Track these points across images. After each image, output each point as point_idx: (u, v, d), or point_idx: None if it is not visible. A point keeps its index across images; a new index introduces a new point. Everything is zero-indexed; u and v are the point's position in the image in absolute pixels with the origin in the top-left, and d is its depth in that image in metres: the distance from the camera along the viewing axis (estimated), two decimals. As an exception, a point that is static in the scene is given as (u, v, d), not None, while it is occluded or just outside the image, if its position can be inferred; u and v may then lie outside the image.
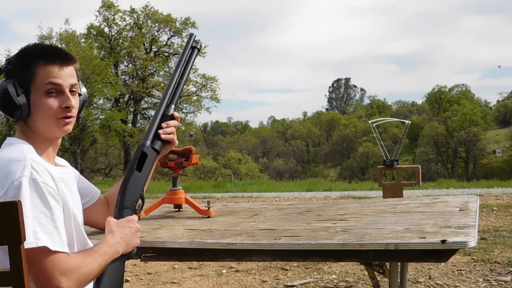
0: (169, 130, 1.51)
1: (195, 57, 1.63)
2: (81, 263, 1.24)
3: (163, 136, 1.50)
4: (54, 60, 1.35)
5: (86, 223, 1.54)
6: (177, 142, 1.56)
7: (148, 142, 1.48)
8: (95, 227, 1.65)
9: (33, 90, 1.33)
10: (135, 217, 1.44)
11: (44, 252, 1.18)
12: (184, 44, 1.66)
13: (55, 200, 1.25)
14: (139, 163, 1.46)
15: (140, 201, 1.47)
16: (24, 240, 1.01)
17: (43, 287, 1.20)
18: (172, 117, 1.53)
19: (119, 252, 1.35)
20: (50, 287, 1.19)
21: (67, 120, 1.36)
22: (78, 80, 1.43)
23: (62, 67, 1.35)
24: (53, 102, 1.34)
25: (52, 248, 1.19)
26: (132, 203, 1.44)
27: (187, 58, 1.60)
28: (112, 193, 1.63)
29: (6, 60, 1.37)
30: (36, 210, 1.20)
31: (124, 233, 1.38)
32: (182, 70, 1.58)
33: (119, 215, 1.42)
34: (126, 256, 1.40)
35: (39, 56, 1.34)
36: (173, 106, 1.55)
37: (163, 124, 1.51)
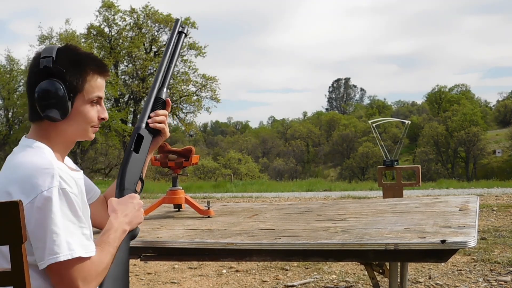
0: (158, 119, 1.52)
1: (183, 42, 1.67)
2: (97, 263, 1.27)
3: (151, 125, 1.51)
4: (104, 74, 1.39)
5: None
6: (168, 133, 1.56)
7: (143, 125, 1.50)
8: (94, 226, 1.65)
9: (80, 97, 1.35)
10: (136, 194, 1.46)
11: (77, 261, 1.21)
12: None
13: (79, 206, 1.27)
14: (136, 145, 1.47)
15: (140, 183, 1.49)
16: (25, 240, 1.01)
17: None
18: (165, 103, 1.55)
19: (126, 231, 1.38)
20: None
21: (97, 129, 1.42)
22: None
23: (104, 80, 1.40)
24: (94, 113, 1.38)
25: (85, 255, 1.22)
26: (132, 184, 1.46)
27: (175, 42, 1.63)
28: (111, 191, 1.64)
29: (46, 56, 1.32)
30: (66, 220, 1.21)
31: (128, 209, 1.41)
32: (171, 54, 1.61)
33: (120, 196, 1.44)
34: (131, 234, 1.42)
35: (94, 67, 1.37)
36: (165, 90, 1.57)
37: (151, 114, 1.52)
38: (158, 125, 1.52)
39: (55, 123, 1.34)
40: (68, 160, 1.51)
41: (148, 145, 1.50)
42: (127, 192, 1.44)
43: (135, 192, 1.47)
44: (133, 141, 1.48)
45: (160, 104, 1.55)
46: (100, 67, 1.38)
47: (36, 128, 1.37)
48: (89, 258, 1.24)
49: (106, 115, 1.41)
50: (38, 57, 1.34)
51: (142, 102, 30.16)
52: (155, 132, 1.53)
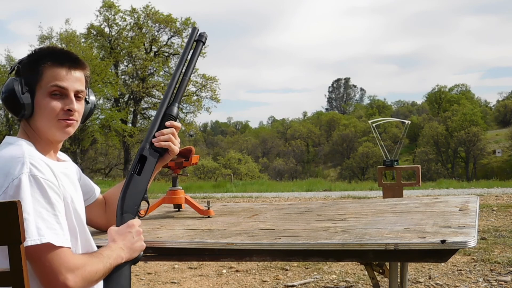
0: (163, 138, 1.47)
1: (200, 51, 1.55)
2: (86, 262, 1.24)
3: (156, 144, 1.47)
4: (63, 63, 1.35)
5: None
6: (176, 150, 1.50)
7: (147, 145, 1.46)
8: (93, 226, 1.65)
9: (38, 90, 1.33)
10: (136, 221, 1.43)
11: (48, 248, 1.18)
12: (184, 43, 1.62)
13: (56, 194, 1.24)
14: (137, 166, 1.45)
15: (144, 204, 1.46)
16: (24, 240, 1.01)
17: (48, 283, 1.19)
18: (175, 120, 1.49)
19: (122, 258, 1.35)
20: (56, 283, 1.18)
21: (68, 122, 1.36)
22: (87, 88, 1.44)
23: (70, 71, 1.36)
24: (56, 104, 1.34)
25: (56, 243, 1.19)
26: (132, 207, 1.43)
27: (189, 52, 1.53)
28: (111, 194, 1.63)
29: (19, 60, 1.39)
30: (38, 206, 1.19)
31: (127, 239, 1.38)
32: (184, 65, 1.51)
33: (120, 220, 1.41)
34: (133, 261, 1.40)
35: (48, 57, 1.35)
36: (176, 105, 1.49)
37: (157, 133, 1.47)
38: (163, 143, 1.47)
39: (29, 120, 1.35)
40: (62, 154, 1.51)
41: (152, 166, 1.46)
42: (127, 216, 1.42)
43: (137, 214, 1.44)
44: (136, 163, 1.44)
45: (170, 120, 1.48)
46: (56, 57, 1.35)
47: (20, 127, 1.41)
48: (65, 248, 1.20)
49: (73, 106, 1.35)
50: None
51: (142, 102, 30.19)
52: (162, 150, 1.49)
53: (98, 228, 1.66)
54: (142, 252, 1.43)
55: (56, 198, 1.23)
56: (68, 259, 1.20)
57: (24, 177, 1.20)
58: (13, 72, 1.37)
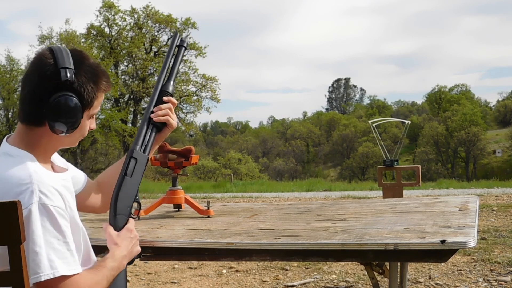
0: (161, 113, 1.49)
1: (182, 56, 1.60)
2: (94, 282, 1.25)
3: (155, 119, 1.49)
4: (107, 90, 1.38)
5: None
6: (174, 124, 1.52)
7: (138, 147, 1.48)
8: (87, 211, 1.62)
9: (86, 112, 1.33)
10: (132, 224, 1.45)
11: (61, 280, 1.18)
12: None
13: (65, 220, 1.23)
14: (128, 168, 1.46)
15: (136, 205, 1.48)
16: (24, 240, 1.01)
17: None
18: (171, 95, 1.52)
19: (124, 265, 1.38)
20: None
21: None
22: None
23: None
24: (90, 125, 1.39)
25: (69, 273, 1.19)
26: (125, 208, 1.45)
27: (172, 57, 1.57)
28: (105, 177, 1.61)
29: (65, 67, 1.26)
30: (48, 236, 1.17)
31: (128, 245, 1.40)
32: (169, 65, 1.56)
33: (114, 222, 1.43)
34: (128, 262, 1.43)
35: (106, 84, 1.35)
36: (171, 83, 1.53)
37: (155, 108, 1.50)
38: (161, 118, 1.49)
39: (44, 131, 1.29)
40: (57, 157, 1.47)
41: (141, 168, 1.47)
42: (121, 217, 1.43)
43: (130, 214, 1.45)
44: (126, 164, 1.45)
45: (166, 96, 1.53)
46: (109, 84, 1.37)
47: (24, 131, 1.32)
48: (74, 275, 1.20)
49: (94, 125, 1.41)
50: (49, 61, 1.27)
51: (142, 102, 30.19)
52: (161, 125, 1.52)
53: (93, 211, 1.63)
54: (136, 256, 1.47)
55: (65, 224, 1.22)
56: (78, 285, 1.21)
57: (34, 207, 1.16)
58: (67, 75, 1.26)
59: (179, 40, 1.58)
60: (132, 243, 1.42)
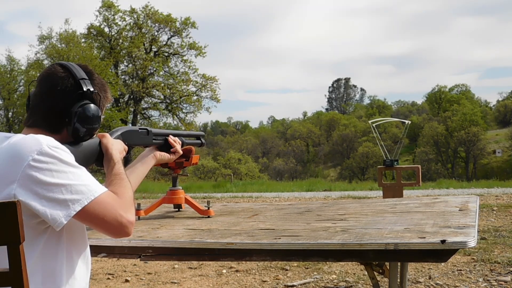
0: (177, 140, 1.91)
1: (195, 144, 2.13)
2: (119, 193, 1.29)
3: (170, 140, 1.88)
4: (111, 102, 1.53)
5: None
6: (174, 157, 1.89)
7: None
8: None
9: None
10: (125, 146, 1.58)
11: (103, 198, 1.21)
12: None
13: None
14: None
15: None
16: (23, 240, 1.01)
17: (113, 230, 1.23)
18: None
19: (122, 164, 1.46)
20: (122, 225, 1.23)
21: None
22: None
23: None
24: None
25: (104, 190, 1.23)
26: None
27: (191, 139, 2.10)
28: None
29: (83, 78, 1.37)
30: (71, 167, 1.21)
31: (119, 148, 1.51)
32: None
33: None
34: None
35: (111, 97, 1.50)
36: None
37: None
38: (175, 143, 1.90)
39: (68, 138, 1.36)
40: None
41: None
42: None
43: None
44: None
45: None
46: (111, 96, 1.51)
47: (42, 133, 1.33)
48: (104, 193, 1.23)
49: None
50: (65, 75, 1.35)
51: (142, 102, 30.20)
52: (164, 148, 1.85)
53: None
54: None
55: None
56: (114, 197, 1.25)
57: (45, 148, 1.18)
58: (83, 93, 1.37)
59: (203, 138, 2.16)
60: (122, 153, 1.53)
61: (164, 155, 1.82)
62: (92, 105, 1.36)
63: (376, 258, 1.55)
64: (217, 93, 29.87)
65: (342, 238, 1.55)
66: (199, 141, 2.12)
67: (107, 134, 1.50)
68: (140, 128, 1.73)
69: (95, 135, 1.43)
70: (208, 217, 2.23)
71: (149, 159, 1.76)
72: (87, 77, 1.38)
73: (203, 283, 4.28)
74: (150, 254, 1.70)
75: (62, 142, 1.31)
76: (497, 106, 70.74)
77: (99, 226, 1.22)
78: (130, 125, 29.38)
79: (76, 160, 1.26)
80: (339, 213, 2.13)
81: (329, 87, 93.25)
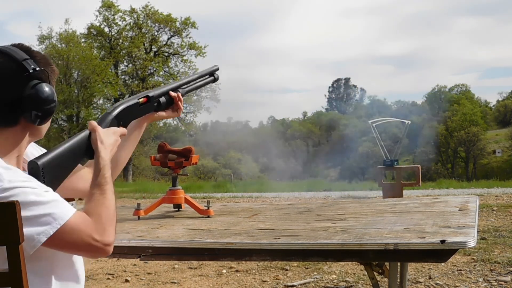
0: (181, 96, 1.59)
1: (206, 83, 1.75)
2: (99, 211, 1.20)
3: (173, 93, 1.56)
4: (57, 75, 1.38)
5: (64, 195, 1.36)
6: (180, 112, 1.59)
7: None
8: (76, 196, 1.57)
9: None
10: (122, 130, 1.41)
11: (72, 224, 1.12)
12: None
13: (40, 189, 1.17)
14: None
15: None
16: (23, 240, 1.01)
17: (91, 251, 1.16)
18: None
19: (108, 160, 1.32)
20: (97, 248, 1.16)
21: None
22: None
23: None
24: None
25: (72, 214, 1.13)
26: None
27: (202, 80, 1.71)
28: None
29: (26, 58, 1.24)
30: (36, 197, 1.11)
31: (112, 144, 1.35)
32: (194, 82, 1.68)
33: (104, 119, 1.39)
34: None
35: (56, 69, 1.34)
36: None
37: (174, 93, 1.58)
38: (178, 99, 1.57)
39: (30, 126, 1.25)
40: (33, 147, 1.41)
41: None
42: (113, 122, 1.41)
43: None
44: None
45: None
46: (56, 68, 1.35)
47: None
48: (73, 215, 1.14)
49: None
50: (3, 61, 1.22)
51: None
52: (166, 105, 1.56)
53: (84, 196, 1.58)
54: None
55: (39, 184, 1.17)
56: (86, 221, 1.16)
57: (5, 184, 1.09)
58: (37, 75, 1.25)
59: (216, 72, 1.78)
60: (115, 146, 1.36)
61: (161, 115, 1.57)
62: (43, 83, 1.23)
63: (376, 258, 1.55)
64: (217, 93, 29.89)
65: (342, 238, 1.55)
66: (211, 78, 1.79)
67: (98, 127, 1.34)
68: (139, 98, 1.51)
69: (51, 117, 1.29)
70: (208, 217, 2.23)
71: (143, 124, 1.55)
72: (28, 56, 1.24)
73: (203, 283, 4.28)
74: (150, 254, 1.70)
75: (24, 133, 1.25)
76: (497, 106, 70.67)
77: (72, 252, 1.18)
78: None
79: (62, 161, 1.20)
80: (339, 213, 2.13)
81: (329, 87, 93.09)
